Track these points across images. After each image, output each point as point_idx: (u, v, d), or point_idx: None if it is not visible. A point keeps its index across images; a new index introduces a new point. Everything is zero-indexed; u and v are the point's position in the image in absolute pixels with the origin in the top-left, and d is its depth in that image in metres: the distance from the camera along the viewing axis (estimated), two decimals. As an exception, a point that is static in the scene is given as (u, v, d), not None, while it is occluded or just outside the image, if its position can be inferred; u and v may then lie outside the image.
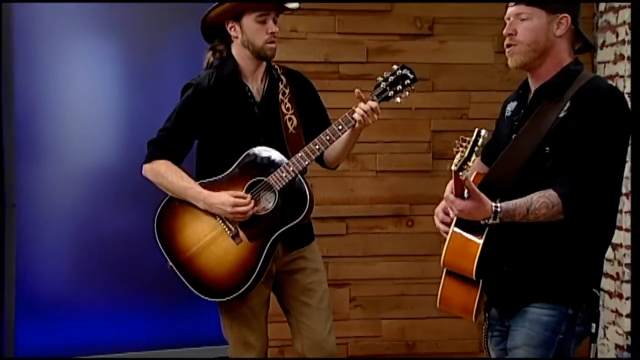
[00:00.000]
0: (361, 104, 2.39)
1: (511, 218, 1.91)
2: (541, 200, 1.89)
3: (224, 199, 2.41)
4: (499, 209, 1.89)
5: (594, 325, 2.00)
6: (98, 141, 3.53)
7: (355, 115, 2.38)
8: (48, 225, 3.45)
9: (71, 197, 3.49)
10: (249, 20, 2.42)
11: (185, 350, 3.52)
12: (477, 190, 1.88)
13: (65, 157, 3.49)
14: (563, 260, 1.97)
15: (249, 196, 2.43)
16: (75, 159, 3.50)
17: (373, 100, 2.41)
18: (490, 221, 1.91)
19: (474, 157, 1.81)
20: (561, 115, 1.94)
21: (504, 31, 2.01)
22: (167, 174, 2.45)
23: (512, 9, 2.01)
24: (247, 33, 2.43)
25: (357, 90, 2.41)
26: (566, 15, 1.97)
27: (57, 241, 3.48)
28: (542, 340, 1.97)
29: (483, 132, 1.83)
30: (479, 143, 1.81)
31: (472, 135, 1.82)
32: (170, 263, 2.46)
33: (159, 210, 2.48)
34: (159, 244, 2.47)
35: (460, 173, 1.81)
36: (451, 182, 1.88)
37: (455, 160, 1.80)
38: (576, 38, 2.03)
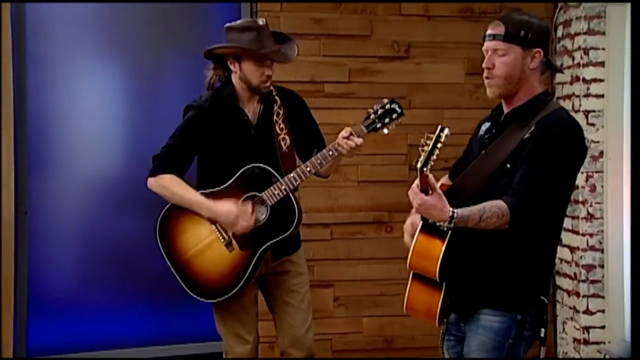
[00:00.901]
0: (348, 141, 2.50)
1: (465, 224, 1.95)
2: (493, 210, 1.94)
3: (227, 208, 2.49)
4: (455, 214, 1.93)
5: (542, 330, 2.05)
6: (103, 154, 3.61)
7: (343, 150, 2.51)
8: (57, 231, 3.52)
9: (78, 205, 3.56)
10: (247, 63, 2.53)
11: (183, 346, 3.58)
12: (439, 191, 1.93)
13: (73, 169, 3.56)
14: (513, 271, 2.03)
15: (249, 209, 2.49)
16: (82, 171, 3.58)
17: (361, 132, 2.52)
18: (446, 224, 1.95)
19: (437, 152, 1.85)
20: (525, 137, 2.00)
21: (483, 64, 2.07)
22: (171, 186, 2.54)
23: (490, 44, 2.05)
24: (245, 72, 2.54)
25: (347, 128, 2.52)
26: (539, 50, 2.03)
27: (65, 246, 3.55)
28: (494, 345, 2.03)
29: (446, 130, 1.86)
30: (442, 139, 1.85)
31: (435, 133, 1.85)
32: (169, 264, 2.56)
33: (160, 216, 2.57)
34: (160, 246, 2.55)
35: (425, 168, 1.84)
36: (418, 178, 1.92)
37: (421, 158, 1.85)
38: (547, 67, 2.11)
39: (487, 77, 2.06)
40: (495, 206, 1.95)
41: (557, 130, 1.99)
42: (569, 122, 2.04)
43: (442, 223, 1.95)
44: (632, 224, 2.29)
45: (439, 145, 1.85)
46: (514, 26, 2.02)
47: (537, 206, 1.95)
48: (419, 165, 1.85)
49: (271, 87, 2.65)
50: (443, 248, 1.99)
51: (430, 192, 1.92)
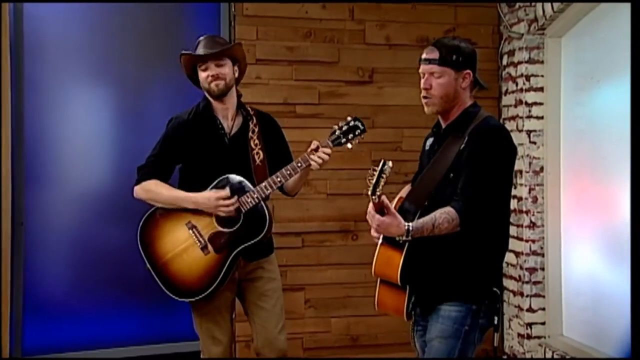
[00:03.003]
0: (318, 153, 2.60)
1: (420, 234, 2.07)
2: (443, 217, 2.08)
3: (207, 195, 2.61)
4: (410, 227, 2.05)
5: (495, 317, 2.20)
6: (94, 169, 3.75)
7: (312, 161, 2.61)
8: (51, 241, 3.64)
9: (71, 217, 3.68)
10: (198, 71, 2.71)
11: (167, 345, 3.72)
12: (393, 210, 2.04)
13: (66, 183, 3.68)
14: (467, 267, 2.18)
15: (227, 191, 2.58)
16: (74, 185, 3.70)
17: (328, 145, 2.63)
18: (404, 238, 2.05)
19: (382, 182, 1.97)
20: (461, 147, 2.16)
21: (421, 85, 2.21)
22: (157, 189, 2.66)
23: (426, 67, 2.20)
24: (200, 79, 2.72)
25: (314, 142, 2.64)
26: (469, 71, 2.21)
27: (58, 253, 3.66)
28: (452, 332, 2.18)
29: (389, 163, 1.98)
30: (385, 172, 1.96)
31: (379, 165, 1.98)
32: (148, 265, 2.64)
33: (142, 220, 2.66)
34: (140, 248, 2.63)
35: (373, 197, 1.96)
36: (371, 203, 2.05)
37: (370, 187, 1.97)
38: (474, 85, 2.27)
39: (425, 97, 2.22)
40: (445, 213, 2.09)
41: (487, 137, 2.15)
42: (496, 128, 2.20)
43: (400, 237, 2.08)
44: (632, 225, 2.34)
45: (383, 176, 1.96)
46: (447, 51, 2.18)
47: (481, 204, 2.10)
48: (368, 193, 1.97)
49: (248, 108, 2.80)
50: (402, 257, 2.13)
51: (385, 212, 2.03)
